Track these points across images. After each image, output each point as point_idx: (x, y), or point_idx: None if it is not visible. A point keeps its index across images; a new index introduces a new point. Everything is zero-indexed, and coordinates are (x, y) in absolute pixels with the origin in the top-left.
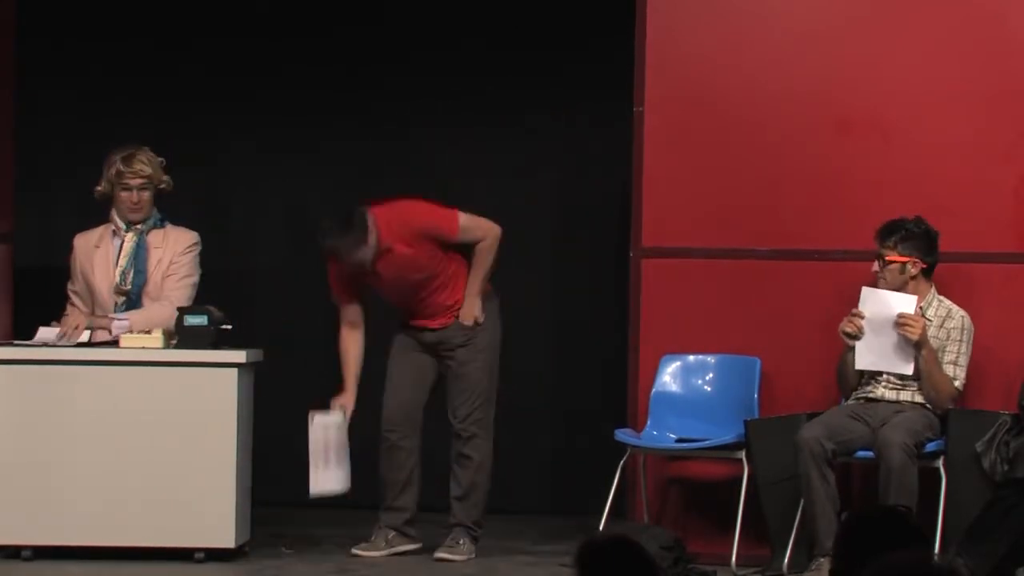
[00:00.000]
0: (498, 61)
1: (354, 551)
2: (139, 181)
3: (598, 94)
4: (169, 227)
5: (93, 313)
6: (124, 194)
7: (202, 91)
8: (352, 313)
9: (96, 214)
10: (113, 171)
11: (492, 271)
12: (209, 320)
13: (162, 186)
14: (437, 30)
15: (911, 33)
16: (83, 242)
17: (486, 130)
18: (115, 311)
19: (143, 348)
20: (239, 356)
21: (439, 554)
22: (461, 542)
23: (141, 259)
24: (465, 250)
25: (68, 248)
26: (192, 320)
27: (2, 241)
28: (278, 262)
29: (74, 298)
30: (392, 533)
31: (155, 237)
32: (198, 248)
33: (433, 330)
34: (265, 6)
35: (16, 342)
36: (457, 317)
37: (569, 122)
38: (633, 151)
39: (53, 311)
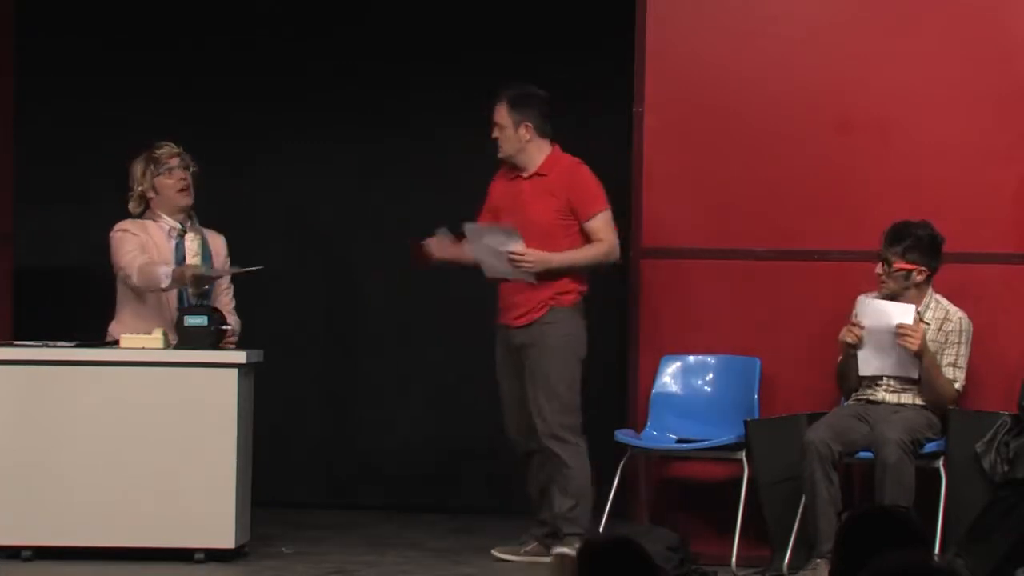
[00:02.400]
0: (497, 61)
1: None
2: (177, 159)
3: (597, 94)
4: (204, 229)
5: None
6: (168, 179)
7: (202, 91)
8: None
9: (96, 215)
10: (143, 168)
11: (582, 267)
12: (209, 320)
13: (193, 169)
14: (438, 31)
15: (911, 33)
16: (138, 230)
17: (486, 130)
18: (184, 301)
19: (143, 348)
20: (239, 356)
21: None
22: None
23: (208, 259)
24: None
25: (68, 248)
26: (192, 320)
27: (2, 241)
28: (278, 262)
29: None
30: (533, 543)
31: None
32: None
33: (519, 328)
34: (265, 6)
35: (16, 342)
36: (543, 314)
37: (568, 122)
38: (633, 151)
39: (53, 311)
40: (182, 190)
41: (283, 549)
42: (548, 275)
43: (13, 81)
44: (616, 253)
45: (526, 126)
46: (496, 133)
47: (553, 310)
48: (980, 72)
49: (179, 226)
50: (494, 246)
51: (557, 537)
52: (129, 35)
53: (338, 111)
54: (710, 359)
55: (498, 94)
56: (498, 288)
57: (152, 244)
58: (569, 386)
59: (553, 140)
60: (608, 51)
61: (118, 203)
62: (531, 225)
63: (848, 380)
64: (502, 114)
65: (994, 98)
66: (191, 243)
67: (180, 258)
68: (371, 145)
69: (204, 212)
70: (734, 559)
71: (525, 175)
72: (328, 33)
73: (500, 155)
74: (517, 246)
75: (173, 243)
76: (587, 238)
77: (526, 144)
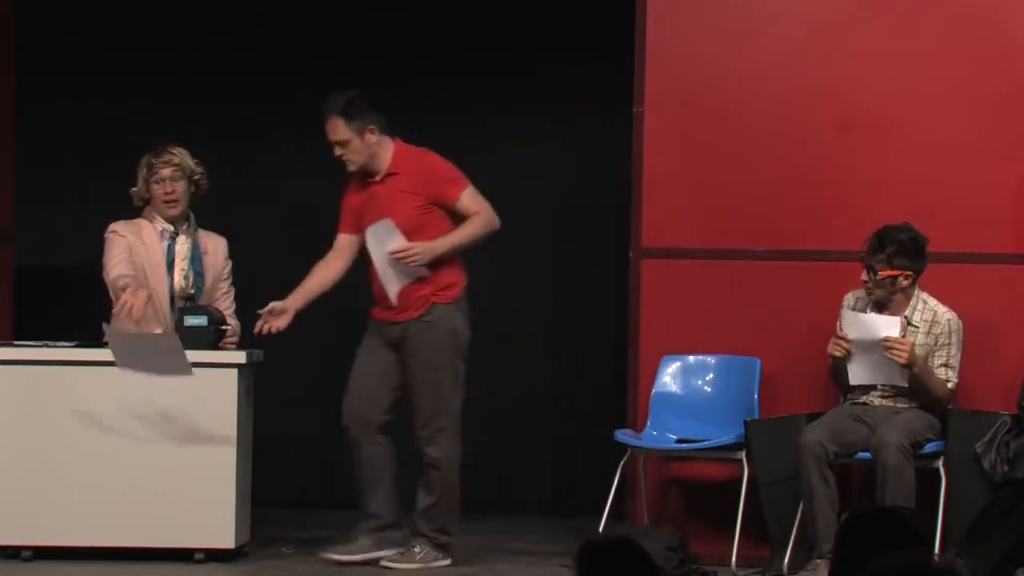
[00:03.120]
0: (498, 61)
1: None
2: (169, 170)
3: (598, 94)
4: (202, 231)
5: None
6: (156, 187)
7: (201, 91)
8: (344, 242)
9: (96, 215)
10: (144, 167)
11: (465, 246)
12: (209, 320)
13: (196, 177)
14: (436, 31)
15: (911, 33)
16: (129, 232)
17: (485, 131)
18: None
19: None
20: (239, 356)
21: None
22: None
23: (197, 261)
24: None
25: (68, 248)
26: (192, 320)
27: (2, 241)
28: (279, 262)
29: (131, 282)
30: (365, 539)
31: (201, 240)
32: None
33: (398, 324)
34: (265, 6)
35: (16, 342)
36: (424, 311)
37: (569, 122)
38: (633, 151)
39: (53, 311)
40: (167, 202)
41: (283, 549)
42: (430, 270)
43: (13, 81)
44: (495, 220)
45: (370, 129)
46: (339, 151)
47: (434, 306)
48: (980, 72)
49: (171, 228)
50: (383, 249)
51: (413, 534)
52: (129, 35)
53: None
54: (710, 359)
55: (324, 114)
56: (372, 282)
57: (141, 245)
58: (449, 384)
59: (392, 135)
60: (608, 51)
61: (118, 203)
62: (398, 227)
63: (840, 377)
64: (340, 130)
65: (994, 98)
66: (181, 246)
67: (170, 260)
68: None
69: (203, 212)
70: (734, 559)
71: (378, 179)
72: (328, 33)
73: (351, 169)
74: (396, 244)
75: (165, 244)
76: (460, 220)
77: (375, 147)
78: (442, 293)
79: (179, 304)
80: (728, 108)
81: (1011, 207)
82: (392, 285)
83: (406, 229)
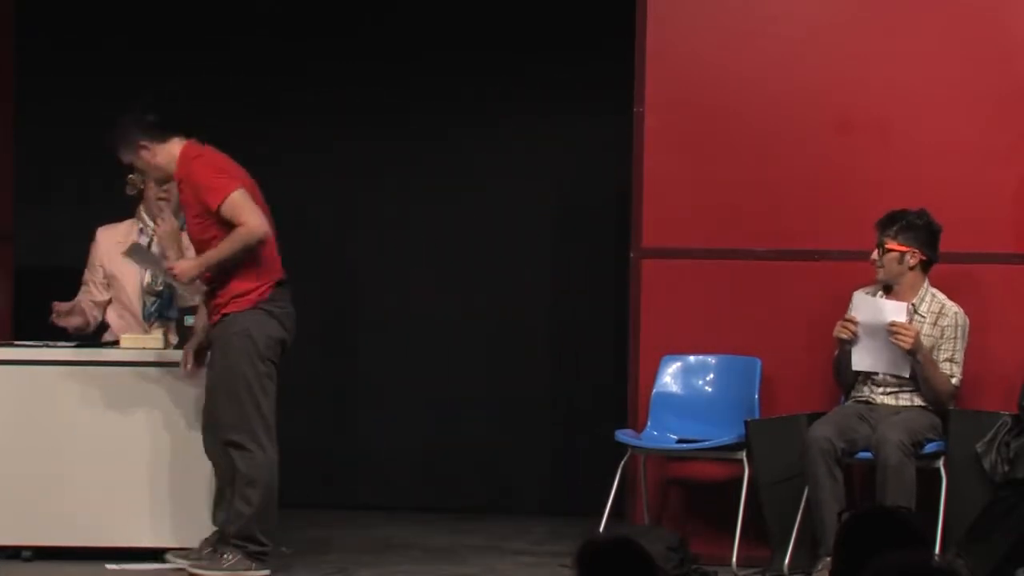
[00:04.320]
0: (498, 62)
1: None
2: None
3: (598, 94)
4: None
5: (110, 304)
6: (151, 189)
7: (203, 90)
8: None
9: (95, 213)
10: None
11: (225, 262)
12: None
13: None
14: (438, 32)
15: (912, 33)
16: (107, 237)
17: (486, 131)
18: (145, 311)
19: (143, 348)
20: None
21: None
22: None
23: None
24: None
25: (68, 248)
26: (192, 320)
27: (2, 241)
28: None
29: (91, 287)
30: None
31: (186, 238)
32: None
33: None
34: (265, 6)
35: (16, 342)
36: (219, 319)
37: (569, 122)
38: (633, 151)
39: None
40: (160, 199)
41: (283, 549)
42: (219, 281)
43: (13, 81)
44: (255, 232)
45: (160, 136)
46: (140, 172)
47: (226, 316)
48: (980, 72)
49: (151, 226)
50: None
51: (222, 541)
52: (129, 35)
53: (340, 112)
54: (711, 359)
55: (115, 147)
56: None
57: (116, 244)
58: (244, 390)
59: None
60: (608, 51)
61: (118, 203)
62: (191, 239)
63: (843, 374)
64: (137, 154)
65: (994, 98)
66: (156, 245)
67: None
68: (371, 144)
69: None
70: (734, 559)
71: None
72: (334, 34)
73: (158, 183)
74: (169, 261)
75: (144, 241)
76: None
77: (171, 156)
78: (234, 302)
79: (146, 299)
80: (728, 108)
81: (1011, 207)
82: (188, 300)
83: (195, 242)
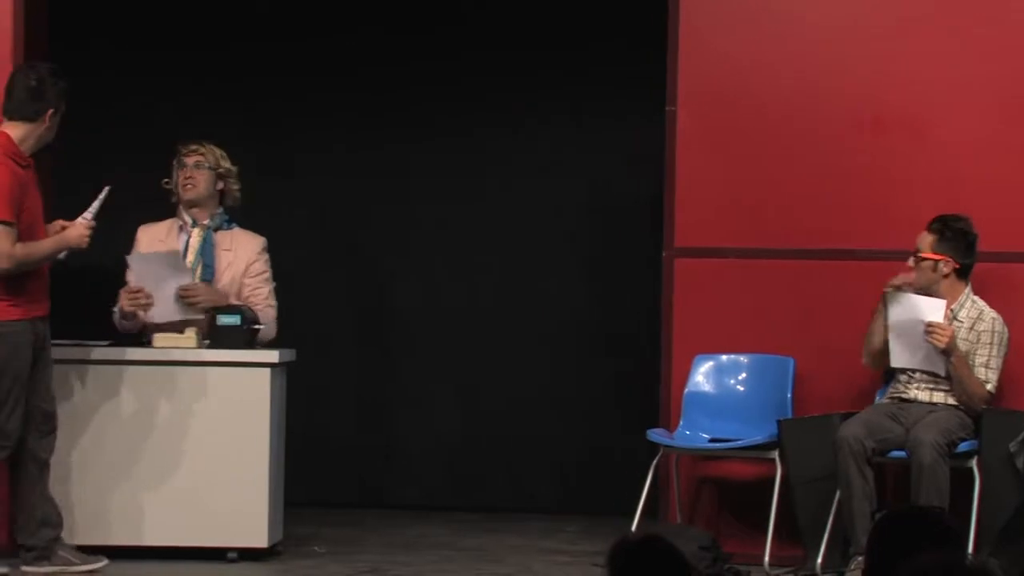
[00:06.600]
0: (529, 61)
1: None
2: (194, 158)
3: (630, 93)
4: (237, 230)
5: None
6: (179, 172)
7: (219, 92)
8: None
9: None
10: (176, 158)
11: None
12: (242, 320)
13: (221, 171)
14: (465, 30)
15: (945, 31)
16: (148, 235)
17: (517, 131)
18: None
19: (177, 348)
20: (272, 356)
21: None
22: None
23: (209, 255)
24: None
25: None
26: (225, 320)
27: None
28: (308, 262)
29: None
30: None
31: (223, 238)
32: (267, 251)
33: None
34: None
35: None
36: None
37: (602, 122)
38: (666, 151)
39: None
40: (185, 185)
41: (316, 548)
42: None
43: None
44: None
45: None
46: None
47: None
48: (1014, 70)
49: (191, 222)
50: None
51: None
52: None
53: (364, 112)
54: (743, 358)
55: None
56: (31, 280)
57: (159, 242)
58: None
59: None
60: (641, 50)
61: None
62: None
63: (872, 345)
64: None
65: None
66: (194, 239)
67: (183, 253)
68: (399, 147)
69: (228, 212)
70: (767, 558)
71: None
72: (364, 33)
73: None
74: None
75: (184, 238)
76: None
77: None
78: None
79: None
80: (761, 107)
81: None
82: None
83: None
